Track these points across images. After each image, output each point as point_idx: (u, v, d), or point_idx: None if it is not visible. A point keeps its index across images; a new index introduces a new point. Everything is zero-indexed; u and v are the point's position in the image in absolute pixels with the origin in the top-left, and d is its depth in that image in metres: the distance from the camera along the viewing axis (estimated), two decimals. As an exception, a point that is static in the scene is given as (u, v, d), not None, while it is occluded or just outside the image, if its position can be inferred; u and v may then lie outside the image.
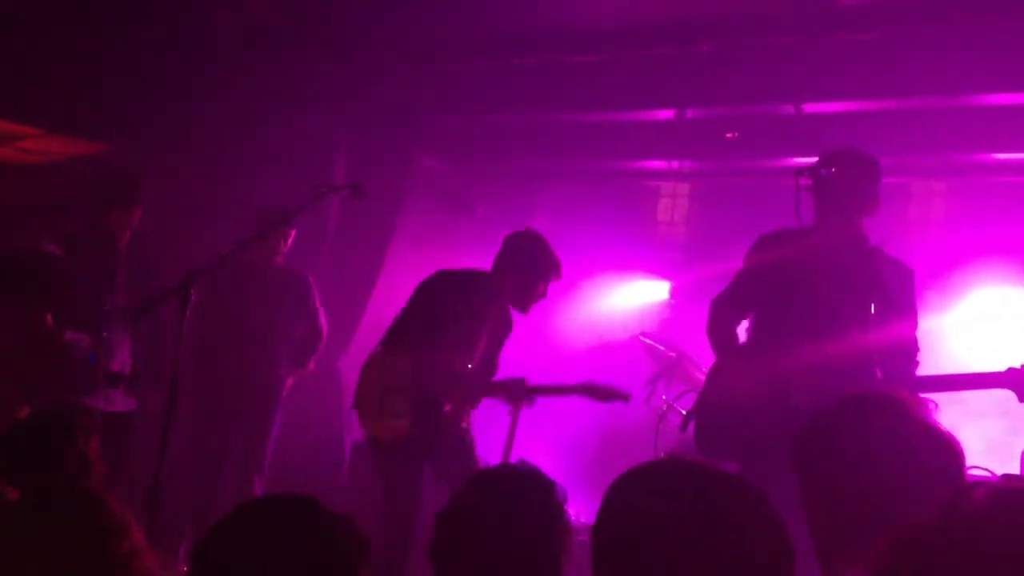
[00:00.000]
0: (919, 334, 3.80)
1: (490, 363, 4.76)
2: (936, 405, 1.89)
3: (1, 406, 4.30)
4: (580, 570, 1.89)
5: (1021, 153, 6.05)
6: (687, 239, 7.71)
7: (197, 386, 5.33)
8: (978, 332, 6.07)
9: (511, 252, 4.71)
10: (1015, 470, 4.05)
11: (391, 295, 7.17)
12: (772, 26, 5.43)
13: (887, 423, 1.80)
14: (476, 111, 6.74)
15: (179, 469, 4.50)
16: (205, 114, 6.45)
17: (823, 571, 1.78)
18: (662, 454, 4.77)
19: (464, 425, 4.65)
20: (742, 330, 4.05)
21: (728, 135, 6.37)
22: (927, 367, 3.82)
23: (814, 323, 3.63)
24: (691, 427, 3.93)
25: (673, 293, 6.91)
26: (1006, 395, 3.38)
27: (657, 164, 7.34)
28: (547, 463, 2.92)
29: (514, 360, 5.11)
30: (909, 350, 3.71)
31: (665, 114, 6.35)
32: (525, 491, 2.26)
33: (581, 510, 4.53)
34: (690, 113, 6.24)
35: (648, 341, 6.40)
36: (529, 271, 4.66)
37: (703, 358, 6.60)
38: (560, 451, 6.37)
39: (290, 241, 5.65)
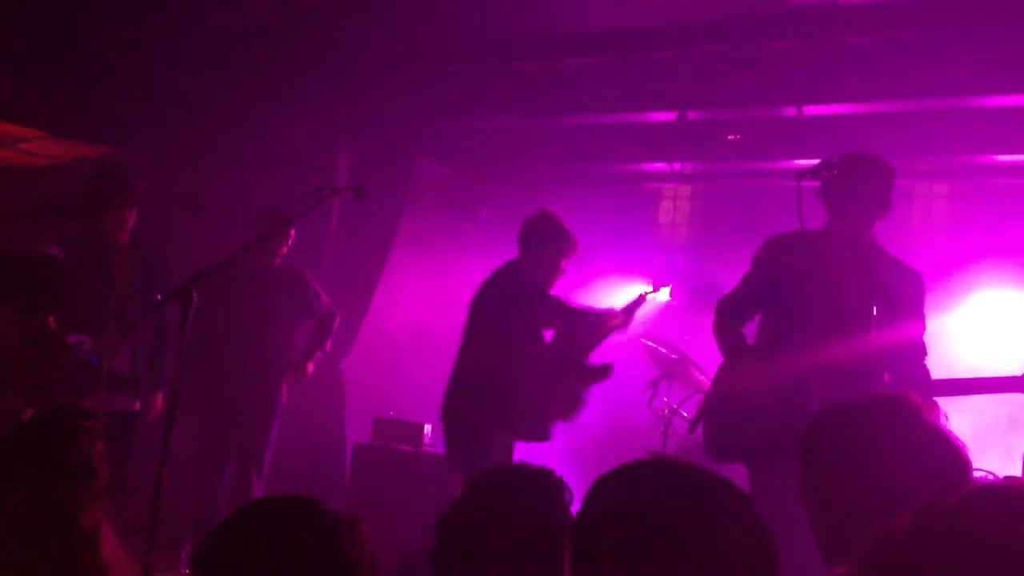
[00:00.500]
0: (927, 337, 3.80)
1: None
2: (946, 415, 1.88)
3: (4, 408, 4.31)
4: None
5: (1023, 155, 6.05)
6: (689, 241, 7.71)
7: (197, 388, 5.33)
8: (980, 334, 6.08)
9: (532, 233, 4.81)
10: (1016, 472, 4.05)
11: (392, 298, 7.21)
12: (773, 29, 5.42)
13: (893, 424, 1.81)
14: (478, 114, 6.74)
15: (181, 471, 4.50)
16: (208, 117, 6.47)
17: (827, 570, 1.78)
18: (644, 454, 4.76)
19: None
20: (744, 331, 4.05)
21: (730, 137, 6.38)
22: (931, 369, 3.81)
23: (826, 326, 3.62)
24: (699, 429, 3.91)
25: (674, 295, 6.91)
26: (1007, 395, 3.37)
27: (659, 166, 7.34)
28: (550, 466, 2.92)
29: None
30: (918, 354, 3.70)
31: (667, 116, 6.35)
32: (527, 492, 2.25)
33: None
34: (692, 115, 6.24)
35: (650, 343, 6.40)
36: (551, 248, 4.77)
37: (705, 360, 6.61)
38: (563, 454, 6.37)
39: (290, 242, 5.66)
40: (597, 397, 5.03)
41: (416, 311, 7.50)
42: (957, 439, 1.80)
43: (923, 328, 3.73)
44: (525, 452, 4.29)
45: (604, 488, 1.48)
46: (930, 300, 3.91)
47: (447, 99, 6.48)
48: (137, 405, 4.91)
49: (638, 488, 1.45)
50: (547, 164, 7.49)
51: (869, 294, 3.56)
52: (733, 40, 5.59)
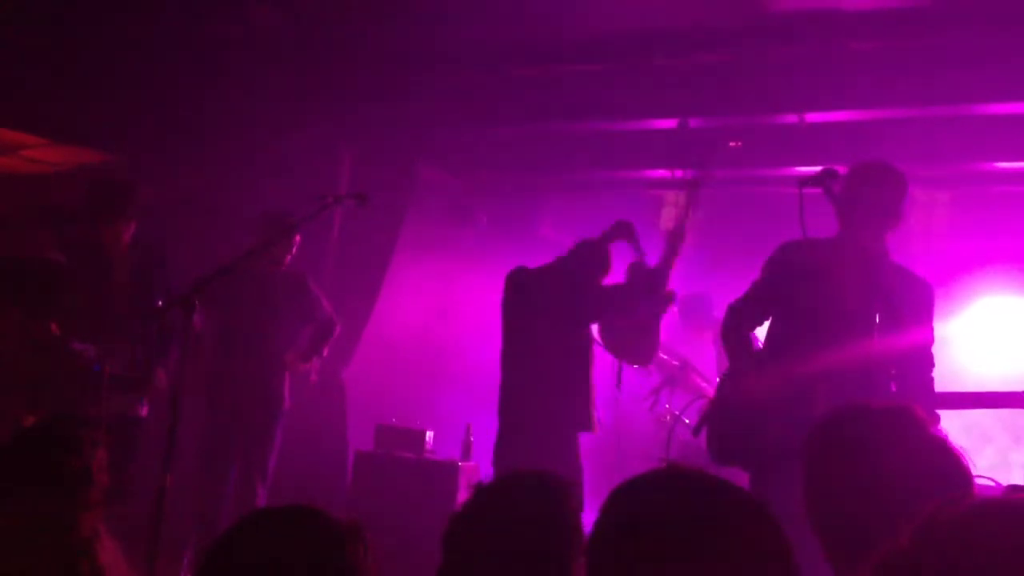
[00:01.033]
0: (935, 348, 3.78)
1: None
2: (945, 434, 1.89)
3: (5, 415, 4.31)
4: None
5: (1024, 162, 6.05)
6: (690, 248, 7.69)
7: (200, 393, 5.34)
8: (982, 341, 6.08)
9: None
10: (1019, 480, 4.04)
11: (394, 305, 7.21)
12: (775, 36, 5.43)
13: (895, 434, 1.81)
14: (479, 122, 6.75)
15: (184, 477, 4.50)
16: (210, 124, 6.47)
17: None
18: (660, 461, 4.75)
19: None
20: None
21: (731, 144, 6.38)
22: (936, 378, 3.80)
23: (829, 333, 3.61)
24: (702, 433, 3.90)
25: (676, 302, 6.90)
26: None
27: (660, 173, 7.34)
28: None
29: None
30: (923, 364, 3.69)
31: (668, 123, 6.35)
32: (535, 497, 2.23)
33: (589, 520, 4.51)
34: (693, 122, 6.24)
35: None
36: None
37: (706, 367, 6.61)
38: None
39: (294, 250, 5.67)
40: (599, 404, 5.03)
41: (418, 318, 7.50)
42: (959, 450, 1.80)
43: (930, 338, 3.70)
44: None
45: (623, 497, 1.48)
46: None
47: (449, 107, 6.49)
48: (140, 412, 4.91)
49: (658, 498, 1.45)
50: (548, 171, 7.49)
51: (871, 301, 3.56)
52: (734, 47, 5.60)
